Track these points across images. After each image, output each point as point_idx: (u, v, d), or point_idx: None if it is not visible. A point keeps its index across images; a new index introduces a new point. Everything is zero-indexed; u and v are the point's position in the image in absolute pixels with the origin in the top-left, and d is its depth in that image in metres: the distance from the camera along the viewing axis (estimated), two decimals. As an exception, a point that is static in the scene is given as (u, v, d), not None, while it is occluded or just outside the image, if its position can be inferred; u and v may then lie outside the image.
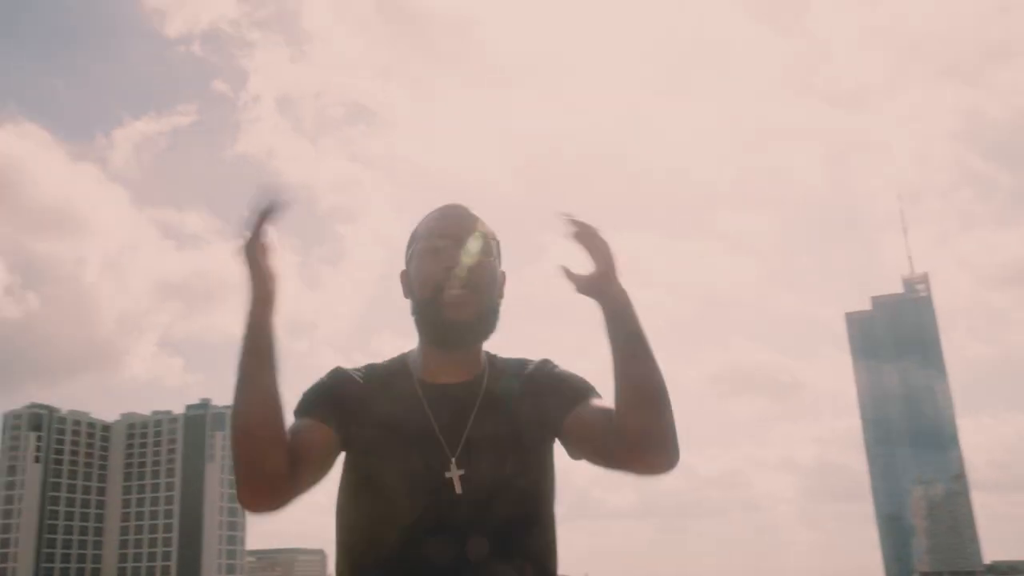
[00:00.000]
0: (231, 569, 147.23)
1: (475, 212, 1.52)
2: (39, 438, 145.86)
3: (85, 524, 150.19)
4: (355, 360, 1.57)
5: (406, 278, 1.52)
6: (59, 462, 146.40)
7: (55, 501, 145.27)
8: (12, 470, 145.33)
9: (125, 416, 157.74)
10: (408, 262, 1.53)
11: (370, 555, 1.41)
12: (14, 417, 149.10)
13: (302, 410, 1.43)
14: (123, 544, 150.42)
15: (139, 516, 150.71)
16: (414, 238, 1.53)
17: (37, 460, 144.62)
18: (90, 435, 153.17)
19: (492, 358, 1.54)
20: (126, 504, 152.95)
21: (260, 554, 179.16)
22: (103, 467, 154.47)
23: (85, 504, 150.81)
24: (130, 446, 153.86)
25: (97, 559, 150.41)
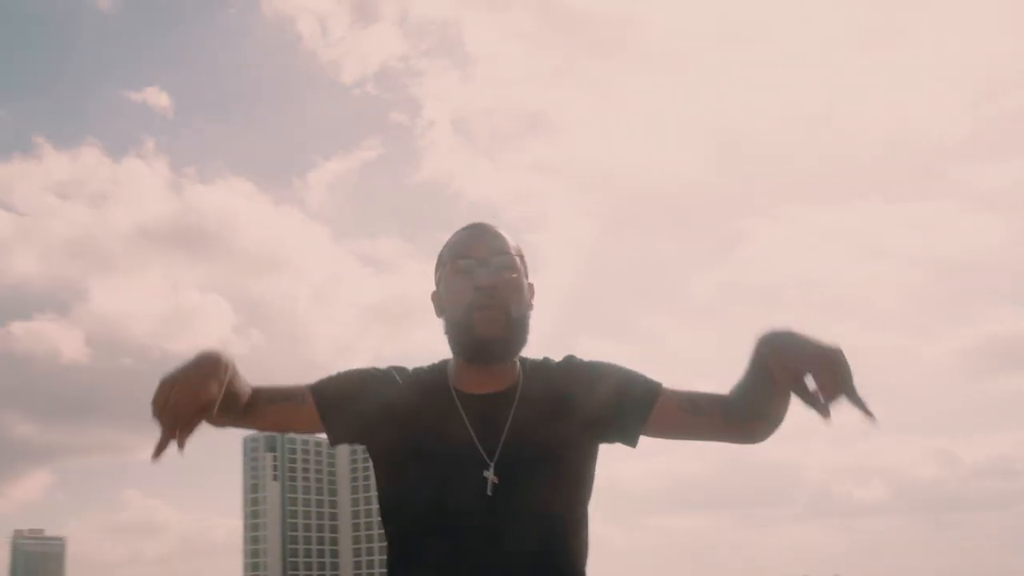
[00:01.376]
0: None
1: (499, 228, 1.59)
2: (275, 458, 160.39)
3: (321, 535, 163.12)
4: None
5: (437, 298, 1.60)
6: (293, 479, 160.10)
7: (293, 515, 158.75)
8: (255, 487, 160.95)
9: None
10: (438, 283, 1.60)
11: (413, 556, 1.49)
12: (252, 440, 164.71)
13: (315, 387, 1.53)
14: (356, 552, 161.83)
15: (368, 526, 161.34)
16: (441, 260, 1.60)
17: (275, 478, 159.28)
18: (318, 452, 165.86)
19: (523, 363, 1.60)
20: (355, 515, 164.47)
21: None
22: (332, 481, 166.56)
23: (320, 516, 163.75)
24: (354, 460, 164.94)
25: (335, 566, 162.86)
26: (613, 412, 1.52)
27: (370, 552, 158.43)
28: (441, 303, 1.58)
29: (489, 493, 1.43)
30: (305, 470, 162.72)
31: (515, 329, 1.51)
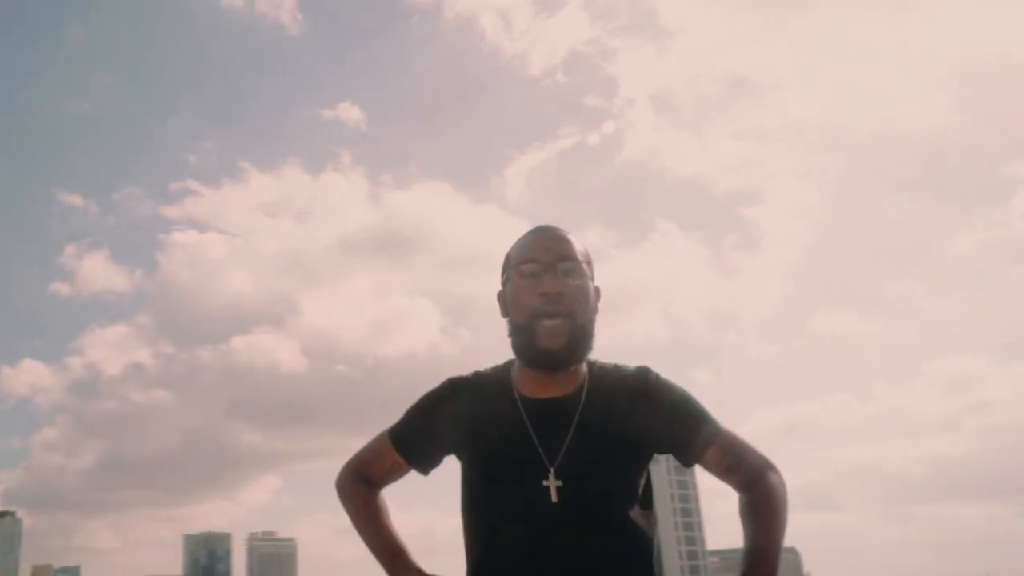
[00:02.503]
0: (695, 570, 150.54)
1: (567, 233, 1.62)
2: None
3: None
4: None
5: (503, 299, 1.64)
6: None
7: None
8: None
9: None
10: (504, 284, 1.64)
11: (483, 562, 1.57)
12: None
13: (394, 433, 1.71)
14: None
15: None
16: (508, 261, 1.64)
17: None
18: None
19: (592, 367, 1.63)
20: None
21: (723, 554, 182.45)
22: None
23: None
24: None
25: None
26: (666, 444, 1.59)
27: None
28: (506, 305, 1.63)
29: (554, 499, 1.49)
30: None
31: (579, 338, 1.55)
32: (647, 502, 1.59)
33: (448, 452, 1.68)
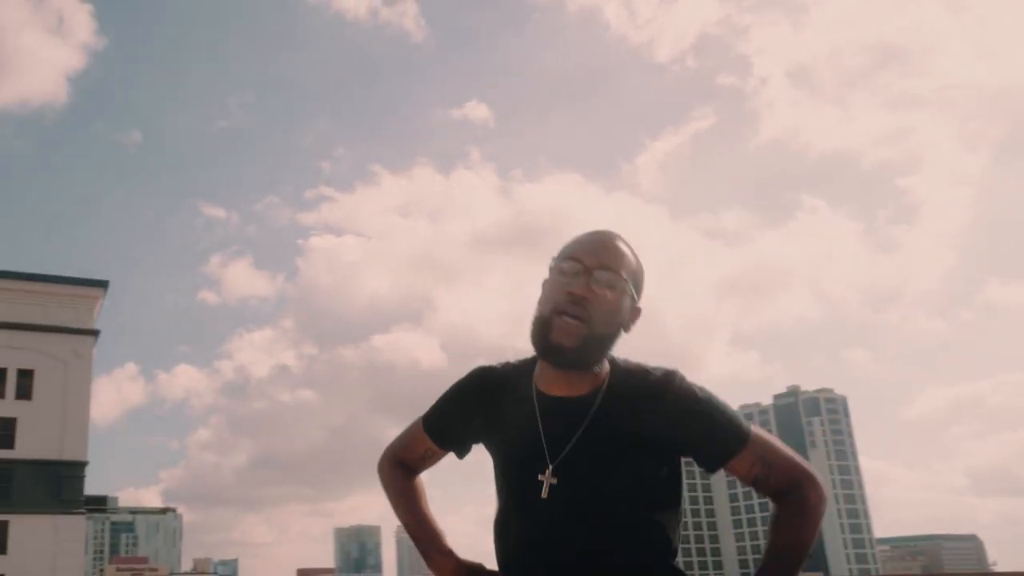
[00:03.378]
0: (861, 559, 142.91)
1: (624, 245, 1.60)
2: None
3: (697, 520, 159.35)
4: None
5: (543, 287, 1.66)
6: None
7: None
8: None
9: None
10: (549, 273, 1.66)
11: (498, 552, 1.65)
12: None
13: (426, 419, 1.77)
14: (739, 537, 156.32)
15: (749, 509, 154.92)
16: (555, 254, 1.65)
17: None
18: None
19: (615, 366, 1.61)
20: (733, 498, 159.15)
21: (895, 542, 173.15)
22: (705, 486, 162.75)
23: (694, 501, 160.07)
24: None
25: (716, 552, 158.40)
26: (686, 449, 1.57)
27: (753, 537, 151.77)
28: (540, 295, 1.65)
29: (543, 496, 1.53)
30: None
31: (591, 345, 1.53)
32: (667, 507, 1.56)
33: (477, 439, 1.72)
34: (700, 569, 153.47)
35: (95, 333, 47.03)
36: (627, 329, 1.60)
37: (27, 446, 42.58)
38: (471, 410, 1.69)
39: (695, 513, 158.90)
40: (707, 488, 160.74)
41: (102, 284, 48.13)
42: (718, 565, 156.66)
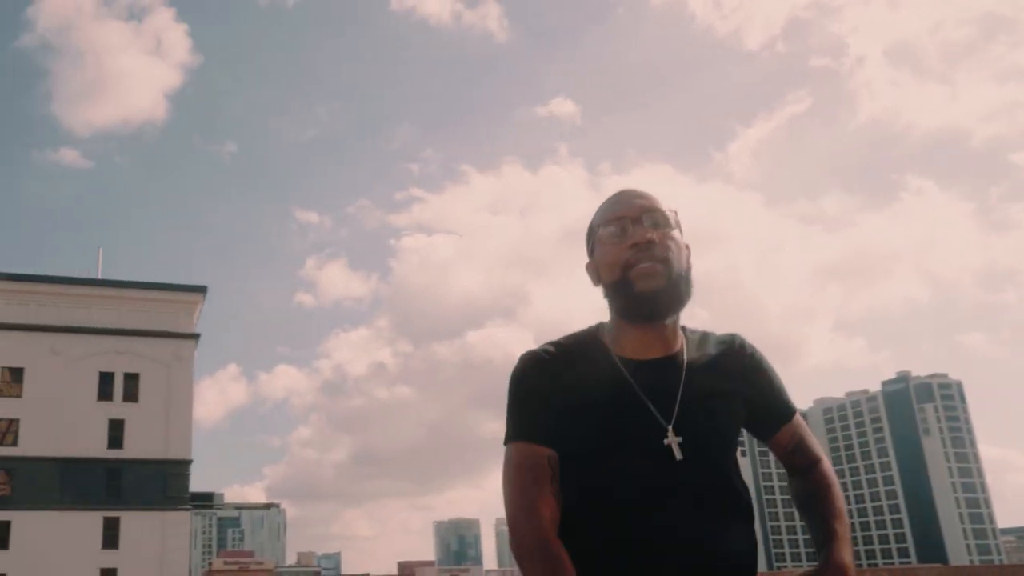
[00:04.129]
0: (984, 550, 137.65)
1: (648, 192, 1.63)
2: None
3: (790, 510, 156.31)
4: None
5: (592, 268, 1.66)
6: (764, 452, 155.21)
7: (769, 490, 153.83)
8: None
9: (817, 402, 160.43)
10: (591, 253, 1.66)
11: (603, 531, 1.52)
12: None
13: (523, 434, 1.58)
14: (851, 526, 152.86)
15: (859, 499, 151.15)
16: (591, 229, 1.65)
17: (743, 454, 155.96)
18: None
19: (685, 331, 1.67)
20: (842, 487, 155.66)
21: (1020, 532, 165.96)
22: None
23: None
24: (831, 430, 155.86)
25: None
26: (752, 410, 1.64)
27: (865, 528, 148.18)
28: (597, 271, 1.63)
29: (679, 458, 1.52)
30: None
31: (677, 282, 1.55)
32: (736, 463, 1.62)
33: (561, 426, 1.57)
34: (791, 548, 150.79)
35: (195, 337, 49.86)
36: (690, 268, 1.62)
37: (135, 446, 45.60)
38: (547, 397, 1.58)
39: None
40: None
41: (201, 290, 50.99)
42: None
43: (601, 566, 1.50)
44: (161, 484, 45.32)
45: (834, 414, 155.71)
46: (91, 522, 43.78)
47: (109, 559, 43.18)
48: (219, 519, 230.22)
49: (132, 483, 44.96)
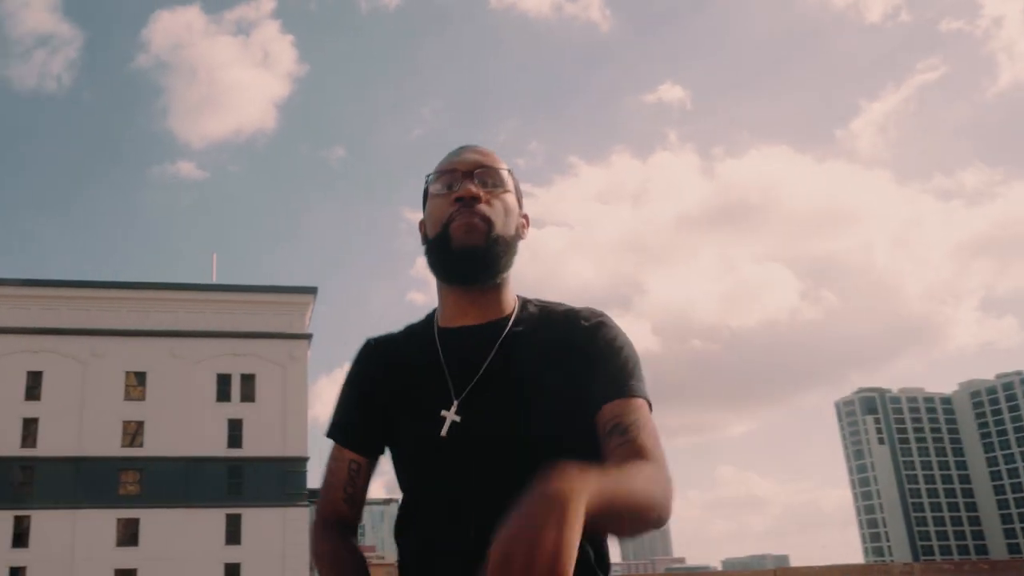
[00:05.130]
0: None
1: (489, 150, 1.55)
2: (877, 420, 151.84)
3: (953, 500, 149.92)
4: None
5: (422, 227, 1.56)
6: (904, 440, 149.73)
7: (912, 479, 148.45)
8: (859, 454, 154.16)
9: (964, 385, 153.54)
10: (424, 208, 1.57)
11: (404, 507, 1.50)
12: (845, 404, 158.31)
13: (331, 432, 1.56)
14: (1005, 518, 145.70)
15: (1016, 487, 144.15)
16: (426, 183, 1.56)
17: (880, 442, 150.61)
18: (930, 409, 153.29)
19: (527, 303, 1.54)
20: (995, 476, 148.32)
21: None
22: (954, 439, 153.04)
23: (946, 479, 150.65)
24: (980, 415, 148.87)
25: (978, 534, 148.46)
26: (582, 384, 1.41)
27: (1023, 519, 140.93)
28: (425, 229, 1.54)
29: (443, 434, 1.40)
30: (918, 430, 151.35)
31: (498, 243, 1.44)
32: (572, 448, 1.28)
33: (388, 419, 1.51)
34: (957, 539, 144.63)
35: (308, 337, 52.18)
36: (521, 235, 1.54)
37: (253, 445, 48.22)
38: (370, 388, 1.54)
39: (946, 479, 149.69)
40: (957, 445, 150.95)
41: (311, 291, 53.29)
42: (979, 535, 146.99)
43: (399, 542, 1.50)
44: (280, 481, 47.68)
45: (983, 397, 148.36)
46: (214, 519, 46.57)
47: (232, 554, 45.88)
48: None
49: (252, 481, 47.51)
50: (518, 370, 1.43)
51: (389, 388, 1.51)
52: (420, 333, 1.54)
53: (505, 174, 1.51)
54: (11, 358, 48.17)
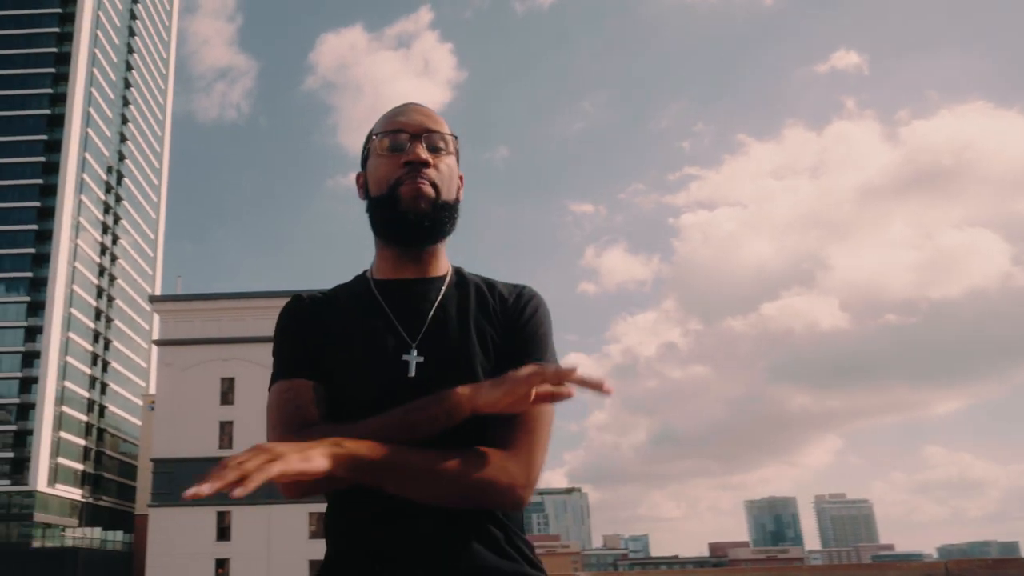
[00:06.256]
0: None
1: (432, 110, 1.60)
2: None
3: None
4: None
5: (362, 179, 1.61)
6: None
7: None
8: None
9: None
10: (364, 162, 1.61)
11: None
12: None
13: (278, 374, 1.52)
14: None
15: None
16: (370, 137, 1.61)
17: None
18: None
19: (461, 269, 1.64)
20: None
21: None
22: None
23: None
24: None
25: None
26: (499, 356, 1.51)
27: None
28: (366, 183, 1.59)
29: (411, 375, 1.46)
30: None
31: (443, 209, 1.53)
32: None
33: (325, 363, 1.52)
34: None
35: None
36: (459, 199, 1.59)
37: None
38: (303, 335, 1.54)
39: None
40: None
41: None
42: None
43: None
44: None
45: None
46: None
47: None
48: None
49: None
50: (460, 319, 1.53)
51: (329, 339, 1.52)
52: (352, 286, 1.61)
53: (449, 138, 1.57)
54: (206, 366, 54.10)
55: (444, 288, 1.57)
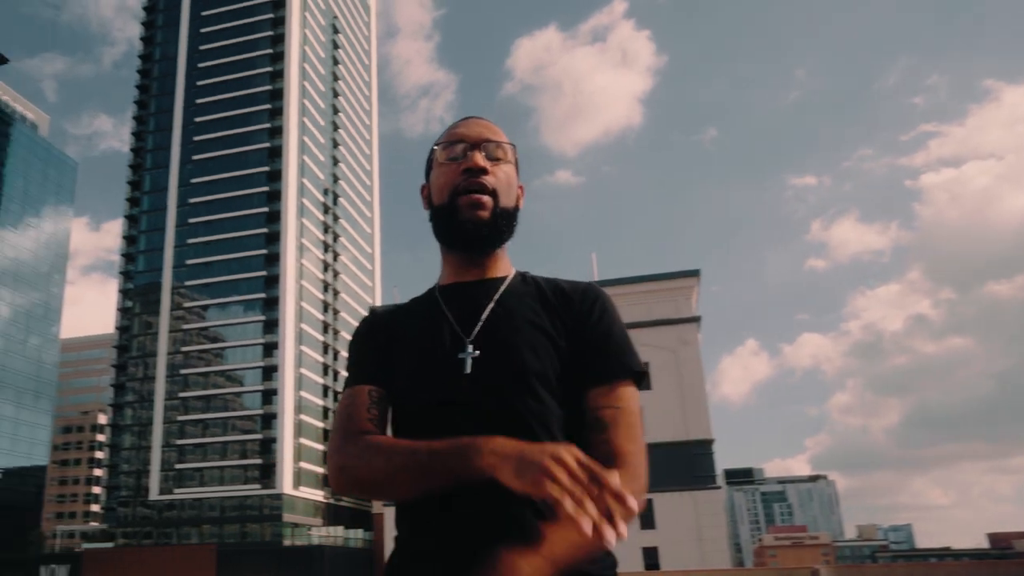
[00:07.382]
0: None
1: (493, 123, 1.69)
2: None
3: None
4: None
5: (426, 191, 1.71)
6: None
7: None
8: None
9: None
10: (428, 174, 1.72)
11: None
12: None
13: (348, 382, 1.65)
14: None
15: None
16: (432, 149, 1.70)
17: None
18: None
19: (525, 273, 1.72)
20: None
21: None
22: None
23: None
24: None
25: None
26: (572, 358, 1.57)
27: None
28: (430, 194, 1.69)
29: (467, 371, 1.54)
30: None
31: (502, 216, 1.62)
32: (561, 403, 1.56)
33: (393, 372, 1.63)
34: None
35: (697, 320, 54.35)
36: (519, 205, 1.68)
37: (656, 432, 51.24)
38: (375, 345, 1.65)
39: None
40: None
41: (694, 274, 55.17)
42: None
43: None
44: (687, 465, 49.68)
45: None
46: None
47: (649, 538, 49.01)
48: (762, 494, 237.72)
49: (658, 466, 50.25)
50: (519, 317, 1.59)
51: (394, 345, 1.64)
52: (422, 298, 1.71)
53: (508, 147, 1.65)
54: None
55: (503, 287, 1.65)
